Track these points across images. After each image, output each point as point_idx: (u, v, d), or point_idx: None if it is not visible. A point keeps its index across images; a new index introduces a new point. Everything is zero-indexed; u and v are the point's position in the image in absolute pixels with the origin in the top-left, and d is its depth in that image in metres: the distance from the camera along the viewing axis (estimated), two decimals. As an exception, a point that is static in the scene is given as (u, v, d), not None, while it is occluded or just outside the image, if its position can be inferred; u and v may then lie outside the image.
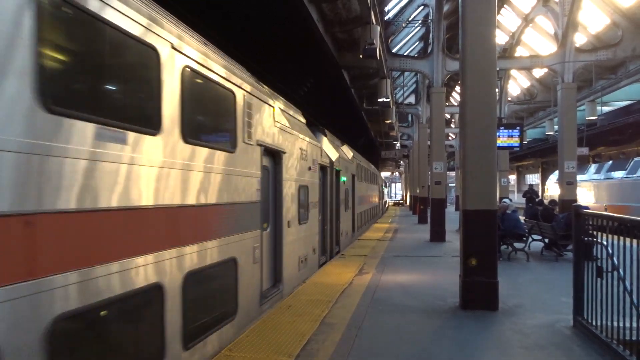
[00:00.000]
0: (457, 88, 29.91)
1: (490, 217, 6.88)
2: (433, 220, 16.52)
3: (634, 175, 20.03)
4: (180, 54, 4.33)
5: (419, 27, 25.26)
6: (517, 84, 33.65)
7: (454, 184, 43.76)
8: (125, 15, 3.49)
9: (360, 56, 11.17)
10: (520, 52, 26.45)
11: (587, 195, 23.91)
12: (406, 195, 55.11)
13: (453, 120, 36.21)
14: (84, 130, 3.08)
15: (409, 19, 21.25)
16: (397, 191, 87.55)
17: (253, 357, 4.74)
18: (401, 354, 4.99)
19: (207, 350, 4.79)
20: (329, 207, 12.15)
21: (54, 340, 2.78)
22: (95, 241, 3.18)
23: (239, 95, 5.78)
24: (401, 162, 59.01)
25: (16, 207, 2.59)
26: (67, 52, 3.15)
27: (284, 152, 7.72)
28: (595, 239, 5.26)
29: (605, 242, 4.96)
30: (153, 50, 3.91)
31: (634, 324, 4.33)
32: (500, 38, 26.78)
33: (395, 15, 20.36)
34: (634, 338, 4.36)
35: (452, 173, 45.39)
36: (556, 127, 22.40)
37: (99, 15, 3.23)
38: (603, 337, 4.89)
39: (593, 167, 25.40)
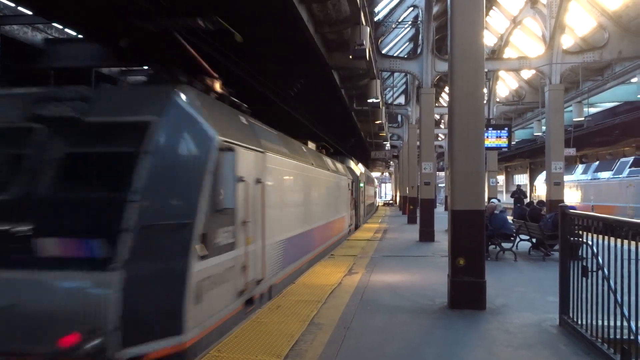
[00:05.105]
0: (447, 89, 30.04)
1: (478, 217, 6.93)
2: (422, 221, 16.60)
3: (620, 176, 20.30)
4: None
5: (408, 28, 25.38)
6: (505, 85, 33.92)
7: (443, 185, 44.01)
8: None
9: (350, 57, 11.17)
10: (508, 53, 26.65)
11: (574, 195, 24.17)
12: (396, 196, 55.30)
13: (442, 121, 36.42)
14: None
15: (399, 20, 21.34)
16: (387, 191, 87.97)
17: (242, 357, 4.73)
18: (389, 353, 5.01)
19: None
20: None
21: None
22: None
23: None
24: (391, 162, 59.24)
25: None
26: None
27: None
28: (581, 239, 5.31)
29: (590, 242, 5.02)
30: None
31: (618, 323, 4.39)
32: (489, 39, 26.97)
33: (385, 16, 20.42)
34: (617, 336, 4.42)
35: (442, 173, 45.62)
36: (544, 128, 22.62)
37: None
38: (588, 336, 4.95)
39: (580, 168, 25.67)
